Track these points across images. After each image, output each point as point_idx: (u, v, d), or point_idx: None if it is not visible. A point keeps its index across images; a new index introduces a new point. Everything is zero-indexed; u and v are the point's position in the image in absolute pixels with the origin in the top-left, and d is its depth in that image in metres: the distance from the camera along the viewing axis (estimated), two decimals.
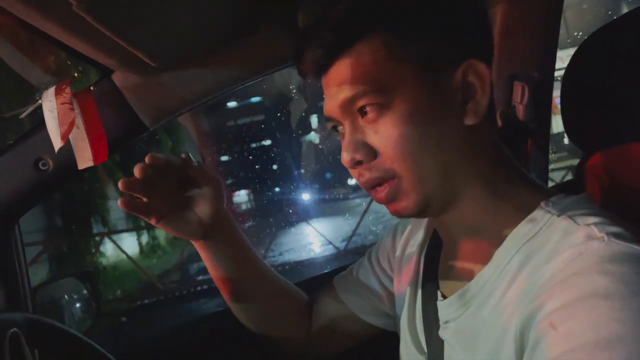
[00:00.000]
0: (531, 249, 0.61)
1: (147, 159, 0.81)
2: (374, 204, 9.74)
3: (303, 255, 9.94)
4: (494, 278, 0.64)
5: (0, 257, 0.99)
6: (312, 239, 10.28)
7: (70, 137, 0.86)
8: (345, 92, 0.65)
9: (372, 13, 0.64)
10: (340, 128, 0.71)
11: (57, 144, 0.83)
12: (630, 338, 0.47)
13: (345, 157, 0.67)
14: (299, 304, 1.02)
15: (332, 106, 0.68)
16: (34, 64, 0.84)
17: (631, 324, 0.48)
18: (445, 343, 0.72)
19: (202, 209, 0.87)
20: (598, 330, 0.48)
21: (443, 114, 0.64)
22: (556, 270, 0.56)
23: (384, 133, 0.64)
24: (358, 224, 9.38)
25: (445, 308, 0.72)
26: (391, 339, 0.92)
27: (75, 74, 0.85)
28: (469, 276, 0.69)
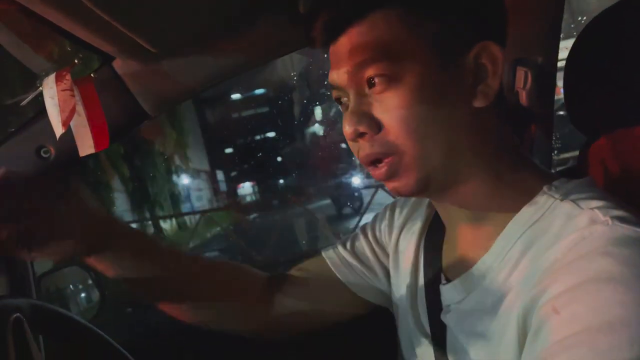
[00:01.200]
0: (534, 234, 0.61)
1: None
2: (377, 198, 9.74)
3: (304, 248, 9.96)
4: (496, 263, 0.64)
5: None
6: (316, 232, 10.27)
7: (71, 124, 0.86)
8: (355, 58, 0.64)
9: None
10: (344, 100, 0.70)
11: (59, 131, 0.83)
12: (634, 321, 0.47)
13: (348, 129, 0.66)
14: (250, 283, 0.96)
15: (340, 72, 0.66)
16: (35, 51, 0.84)
17: (634, 307, 0.48)
18: (447, 327, 0.72)
19: (70, 219, 0.74)
20: (601, 314, 0.48)
21: (452, 93, 0.63)
22: (559, 255, 0.55)
23: (391, 106, 0.62)
24: (360, 220, 9.37)
25: (447, 292, 0.72)
26: (383, 314, 0.92)
27: (76, 61, 0.85)
28: (472, 261, 0.69)
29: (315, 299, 0.94)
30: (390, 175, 0.66)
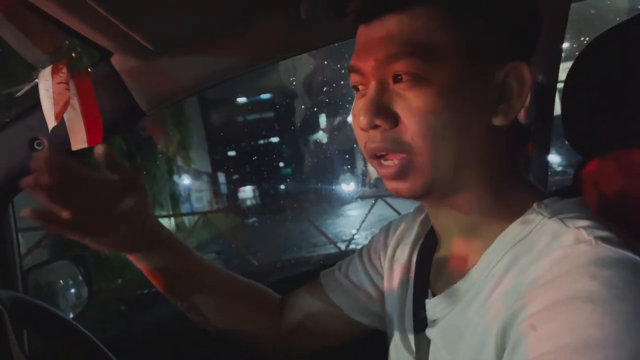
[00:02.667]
0: (520, 250, 0.61)
1: (55, 163, 0.65)
2: (376, 209, 9.75)
3: (302, 254, 9.95)
4: (481, 278, 0.64)
5: None
6: (314, 238, 10.27)
7: (65, 117, 0.85)
8: (387, 49, 0.61)
9: None
10: (361, 87, 0.67)
11: (51, 123, 0.82)
12: (610, 343, 0.47)
13: (363, 119, 0.63)
14: (265, 303, 0.99)
15: (366, 59, 0.64)
16: (33, 43, 0.83)
17: (611, 329, 0.47)
18: (431, 342, 0.71)
19: (132, 217, 0.75)
20: (578, 334, 0.48)
21: (476, 105, 0.62)
22: (541, 272, 0.55)
23: (414, 105, 0.61)
24: (360, 226, 9.37)
25: (433, 306, 0.72)
26: (380, 338, 0.91)
27: (74, 55, 0.85)
28: (458, 275, 0.68)
29: (314, 323, 0.95)
30: (399, 175, 0.64)
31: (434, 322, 0.71)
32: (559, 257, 0.55)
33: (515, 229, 0.63)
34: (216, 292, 0.93)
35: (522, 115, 0.98)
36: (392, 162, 0.64)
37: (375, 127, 0.63)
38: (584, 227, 0.57)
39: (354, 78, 0.68)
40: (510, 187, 0.67)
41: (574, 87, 0.84)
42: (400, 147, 0.62)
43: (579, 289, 0.51)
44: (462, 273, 0.68)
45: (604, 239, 0.55)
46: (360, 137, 0.67)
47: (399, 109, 0.62)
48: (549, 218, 0.61)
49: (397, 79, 0.62)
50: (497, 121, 0.63)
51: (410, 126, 0.61)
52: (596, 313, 0.48)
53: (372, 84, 0.64)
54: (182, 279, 0.89)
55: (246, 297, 0.97)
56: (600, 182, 0.81)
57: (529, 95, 0.64)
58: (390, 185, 0.66)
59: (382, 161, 0.65)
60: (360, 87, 0.68)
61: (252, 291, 0.99)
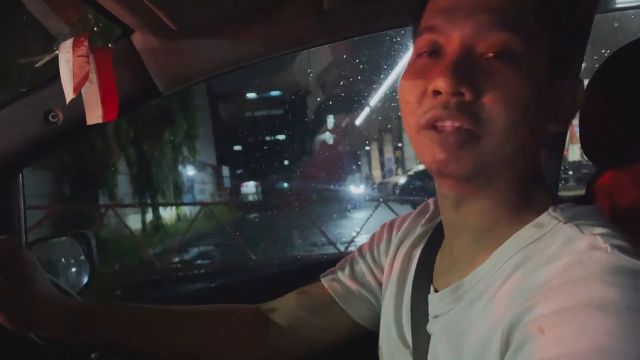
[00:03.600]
0: (531, 251, 0.60)
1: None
2: (377, 213, 9.73)
3: (301, 253, 9.96)
4: (488, 276, 0.63)
5: (5, 201, 0.99)
6: (314, 238, 10.27)
7: (82, 91, 0.86)
8: (491, 15, 0.59)
9: None
10: (436, 47, 0.62)
11: (69, 96, 0.83)
12: (619, 352, 0.46)
13: (446, 82, 0.57)
14: (241, 320, 0.94)
15: (459, 20, 0.60)
16: (56, 14, 0.83)
17: (622, 338, 0.47)
18: (432, 337, 0.71)
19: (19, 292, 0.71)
20: (587, 340, 0.47)
21: (545, 106, 0.62)
22: (553, 274, 0.54)
23: (503, 81, 0.58)
24: (361, 229, 9.37)
25: (436, 302, 0.71)
26: (367, 333, 0.90)
27: (95, 29, 0.85)
28: (464, 272, 0.68)
29: (315, 325, 0.92)
30: (460, 145, 0.59)
31: (436, 317, 0.71)
32: (573, 261, 0.54)
33: (528, 230, 0.63)
34: (179, 332, 0.88)
35: None
36: (458, 127, 0.58)
37: (458, 94, 0.58)
38: (600, 235, 0.56)
39: (432, 38, 0.62)
40: (531, 189, 0.67)
41: (592, 97, 0.84)
42: (475, 121, 0.58)
43: (591, 295, 0.50)
44: (468, 270, 0.68)
45: (620, 248, 0.54)
46: (419, 103, 0.61)
47: (485, 82, 0.58)
48: (564, 223, 0.60)
49: (488, 51, 0.59)
50: (550, 126, 0.65)
51: (494, 103, 0.58)
52: (607, 321, 0.48)
53: (457, 47, 0.60)
54: (136, 335, 0.84)
55: (216, 323, 0.92)
56: (614, 194, 0.81)
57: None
58: (442, 155, 0.59)
59: (442, 125, 0.59)
60: (435, 47, 0.62)
61: (221, 315, 0.94)
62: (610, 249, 0.54)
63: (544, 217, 0.63)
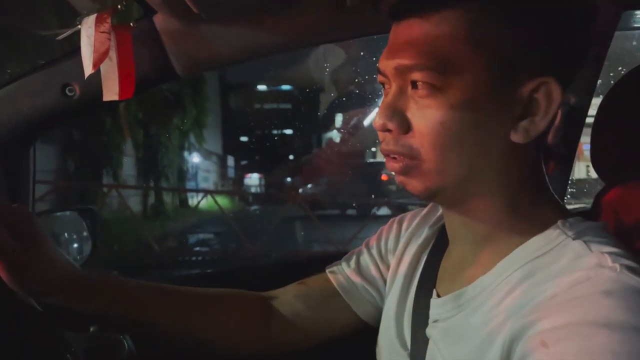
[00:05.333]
0: (538, 265, 0.60)
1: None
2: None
3: (300, 249, 9.96)
4: (493, 286, 0.64)
5: (16, 170, 1.01)
6: (313, 235, 10.27)
7: (101, 67, 0.86)
8: (406, 58, 0.61)
9: None
10: (386, 87, 0.68)
11: (88, 70, 0.83)
12: None
13: (378, 121, 0.65)
14: (243, 306, 0.93)
15: (388, 64, 0.64)
16: None
17: (625, 357, 0.47)
18: (430, 341, 0.71)
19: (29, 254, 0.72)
20: (590, 357, 0.48)
21: (493, 120, 0.60)
22: (559, 290, 0.54)
23: (426, 114, 0.61)
24: (361, 228, 9.36)
25: (438, 307, 0.72)
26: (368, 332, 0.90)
27: (119, 7, 0.85)
28: (468, 279, 0.68)
29: (316, 317, 0.91)
30: (404, 172, 0.66)
31: (436, 322, 0.71)
32: (581, 278, 0.54)
33: (536, 243, 0.63)
34: (180, 312, 0.87)
35: (550, 135, 0.98)
36: (397, 158, 0.65)
37: (388, 130, 0.64)
38: (609, 253, 0.56)
39: (380, 78, 0.68)
40: (533, 201, 0.66)
41: (607, 114, 0.84)
42: (410, 152, 0.63)
43: (598, 314, 0.50)
44: (471, 278, 0.68)
45: (628, 268, 0.54)
46: (379, 135, 0.68)
47: (413, 115, 0.62)
48: (573, 238, 0.60)
49: (414, 84, 0.62)
50: (516, 138, 0.61)
51: (421, 134, 0.62)
52: (612, 340, 0.48)
53: (393, 87, 0.65)
54: (137, 311, 0.83)
55: (218, 306, 0.91)
56: (620, 210, 0.81)
57: (558, 115, 0.62)
58: (398, 178, 0.67)
59: (391, 156, 0.66)
60: (386, 86, 0.68)
61: (222, 299, 0.93)
62: (619, 268, 0.54)
63: (552, 231, 0.62)
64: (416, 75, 0.61)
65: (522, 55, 0.59)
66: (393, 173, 0.67)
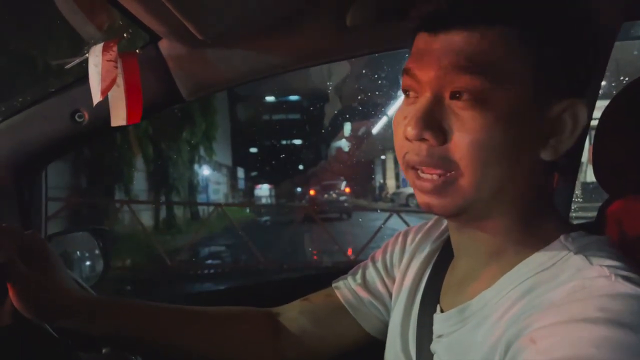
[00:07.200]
0: (540, 280, 0.61)
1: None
2: (390, 223, 9.70)
3: (311, 259, 9.96)
4: (495, 300, 0.64)
5: (26, 196, 1.03)
6: (324, 245, 10.27)
7: (109, 94, 0.89)
8: (454, 60, 0.59)
9: (520, 8, 0.59)
10: (411, 93, 0.65)
11: (97, 97, 0.86)
12: None
13: (412, 130, 0.61)
14: (254, 323, 0.94)
15: (427, 66, 0.62)
16: (88, 19, 0.87)
17: (608, 352, 0.48)
18: (434, 357, 0.72)
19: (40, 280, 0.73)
20: (575, 350, 0.49)
21: (530, 135, 0.61)
22: (557, 298, 0.56)
23: (470, 126, 0.59)
24: (372, 238, 9.34)
25: (441, 322, 0.72)
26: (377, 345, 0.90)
27: (125, 35, 0.88)
28: (472, 294, 0.69)
29: (324, 332, 0.92)
30: (437, 191, 0.63)
31: (440, 337, 0.71)
32: (577, 286, 0.55)
33: (538, 258, 0.63)
34: (189, 332, 0.88)
35: None
36: (431, 177, 0.63)
37: (422, 140, 0.62)
38: (608, 266, 0.57)
39: (407, 81, 0.65)
40: (540, 216, 0.67)
41: (609, 124, 0.84)
42: (447, 165, 0.61)
43: (586, 313, 0.52)
44: (474, 292, 0.68)
45: (625, 278, 0.55)
46: (401, 145, 0.65)
47: (452, 126, 0.60)
48: (575, 253, 0.61)
49: (455, 95, 0.60)
50: (545, 155, 0.62)
51: (462, 147, 0.60)
52: (597, 336, 0.49)
53: (427, 95, 0.62)
54: (148, 332, 0.84)
55: (227, 325, 0.92)
56: (623, 222, 0.81)
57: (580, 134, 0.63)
58: (423, 199, 0.64)
59: (420, 173, 0.64)
60: (410, 93, 0.65)
61: (231, 317, 0.94)
62: (615, 277, 0.55)
63: (555, 245, 0.63)
64: (462, 81, 0.59)
65: (558, 74, 0.61)
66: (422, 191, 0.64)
